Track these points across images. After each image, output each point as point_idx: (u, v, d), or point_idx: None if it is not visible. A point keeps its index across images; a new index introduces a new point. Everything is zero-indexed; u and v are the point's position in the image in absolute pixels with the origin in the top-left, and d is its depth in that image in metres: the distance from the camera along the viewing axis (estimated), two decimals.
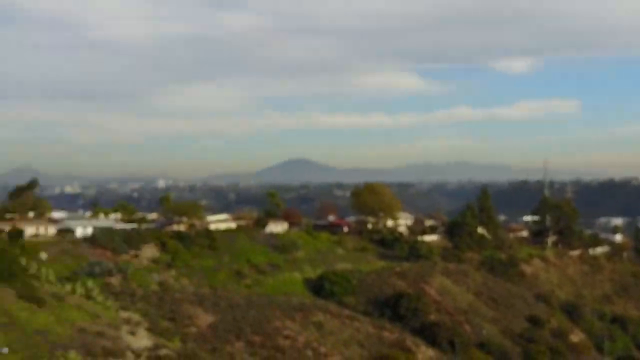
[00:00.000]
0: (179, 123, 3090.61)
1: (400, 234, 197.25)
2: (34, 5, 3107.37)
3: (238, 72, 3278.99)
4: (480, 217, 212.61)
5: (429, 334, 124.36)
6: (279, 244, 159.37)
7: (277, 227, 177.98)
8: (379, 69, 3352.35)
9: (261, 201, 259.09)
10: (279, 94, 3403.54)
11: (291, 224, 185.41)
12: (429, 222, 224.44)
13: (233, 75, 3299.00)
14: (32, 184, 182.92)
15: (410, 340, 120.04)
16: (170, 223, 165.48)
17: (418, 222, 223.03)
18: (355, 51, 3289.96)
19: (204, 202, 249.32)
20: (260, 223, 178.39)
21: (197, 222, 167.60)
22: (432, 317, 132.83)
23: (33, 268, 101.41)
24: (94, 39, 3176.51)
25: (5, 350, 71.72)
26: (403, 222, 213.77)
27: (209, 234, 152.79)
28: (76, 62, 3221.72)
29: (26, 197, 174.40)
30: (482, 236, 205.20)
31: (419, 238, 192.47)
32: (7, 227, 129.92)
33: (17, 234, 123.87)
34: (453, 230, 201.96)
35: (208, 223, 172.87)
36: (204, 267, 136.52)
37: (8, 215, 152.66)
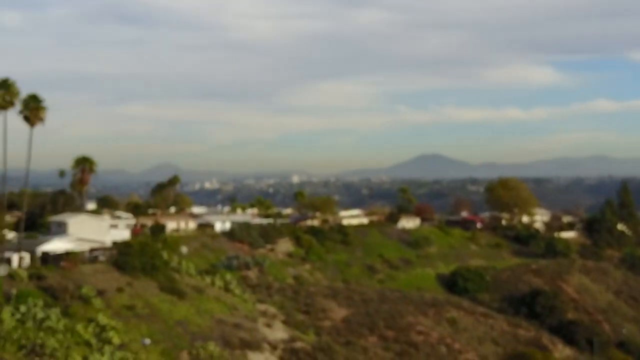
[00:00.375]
0: (312, 119, 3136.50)
1: (536, 230, 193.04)
2: (177, 7, 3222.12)
3: (368, 68, 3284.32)
4: (621, 213, 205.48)
5: (566, 333, 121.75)
6: (411, 240, 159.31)
7: (409, 223, 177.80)
8: (511, 61, 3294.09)
9: (393, 196, 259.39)
10: (410, 90, 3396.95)
11: (423, 220, 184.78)
12: (566, 219, 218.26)
13: (364, 72, 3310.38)
14: (174, 180, 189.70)
15: (546, 339, 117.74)
16: (305, 218, 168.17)
17: (555, 218, 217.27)
18: (486, 44, 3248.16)
19: (336, 198, 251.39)
20: (392, 218, 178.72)
21: (330, 217, 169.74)
22: (570, 315, 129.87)
23: (174, 261, 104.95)
24: (231, 39, 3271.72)
25: (148, 341, 75.01)
26: (539, 218, 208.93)
27: (341, 229, 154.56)
28: (214, 63, 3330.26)
29: (168, 193, 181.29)
30: (622, 233, 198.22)
31: (556, 234, 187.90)
32: (149, 222, 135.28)
33: (159, 228, 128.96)
34: (592, 226, 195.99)
35: (341, 218, 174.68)
36: (337, 261, 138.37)
37: (150, 211, 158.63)
